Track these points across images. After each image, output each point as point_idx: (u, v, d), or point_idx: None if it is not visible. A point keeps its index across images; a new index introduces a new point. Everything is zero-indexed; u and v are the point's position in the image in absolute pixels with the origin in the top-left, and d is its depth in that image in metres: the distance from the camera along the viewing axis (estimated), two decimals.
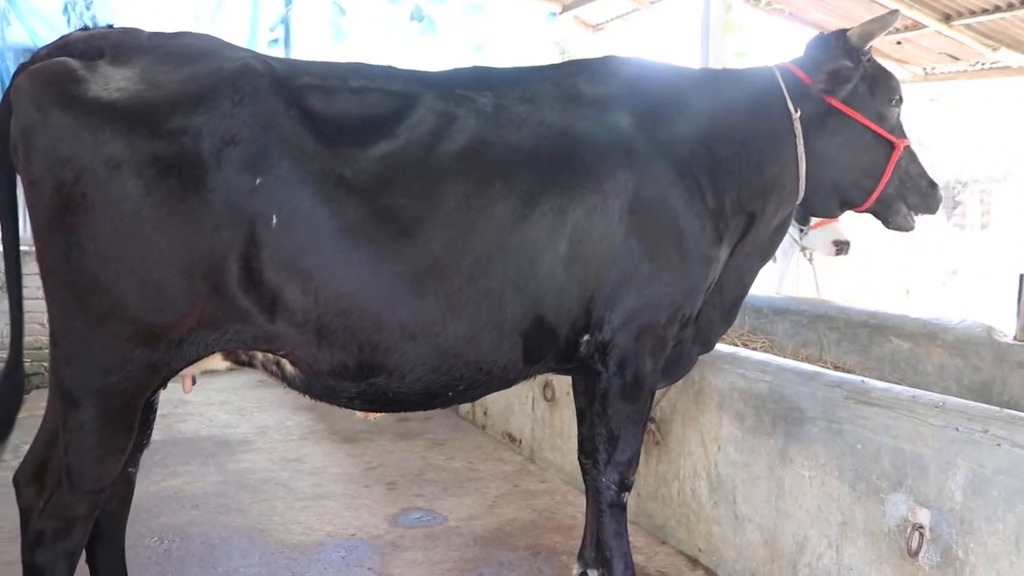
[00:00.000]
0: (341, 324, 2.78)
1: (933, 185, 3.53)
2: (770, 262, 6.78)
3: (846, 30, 3.37)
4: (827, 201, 3.52)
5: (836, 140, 3.38)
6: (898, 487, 3.02)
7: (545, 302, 2.99)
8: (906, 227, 3.56)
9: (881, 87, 3.41)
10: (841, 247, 6.16)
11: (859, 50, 3.33)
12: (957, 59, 9.75)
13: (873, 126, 3.37)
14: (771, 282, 6.91)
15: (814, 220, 6.14)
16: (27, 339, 8.11)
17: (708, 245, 3.22)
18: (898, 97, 3.45)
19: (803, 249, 6.46)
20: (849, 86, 3.35)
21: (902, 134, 3.45)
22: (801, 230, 6.30)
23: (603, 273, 3.05)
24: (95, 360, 2.65)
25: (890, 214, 3.53)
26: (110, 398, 2.69)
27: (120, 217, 2.57)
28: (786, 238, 6.53)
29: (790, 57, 3.50)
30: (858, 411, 3.22)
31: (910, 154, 3.49)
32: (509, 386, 3.22)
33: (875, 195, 3.45)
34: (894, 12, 3.40)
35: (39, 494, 2.82)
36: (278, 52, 8.56)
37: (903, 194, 3.48)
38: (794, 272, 6.80)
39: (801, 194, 3.40)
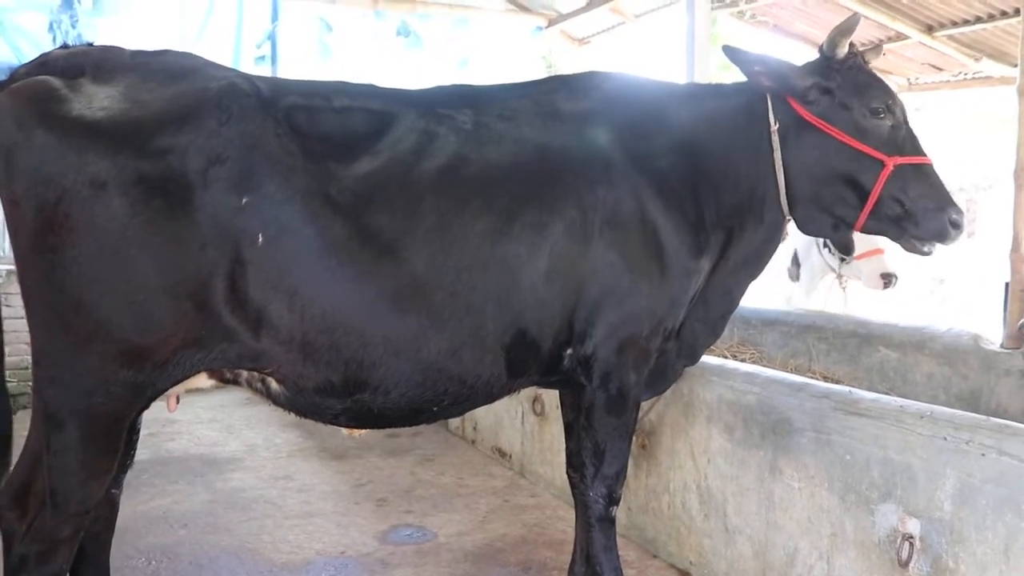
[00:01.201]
0: (326, 341, 2.77)
1: (941, 208, 3.15)
2: (794, 284, 6.77)
3: None
4: (815, 219, 3.35)
5: (813, 154, 3.23)
6: (887, 497, 3.02)
7: (527, 316, 2.99)
8: (916, 251, 3.27)
9: (860, 98, 3.20)
10: (889, 280, 6.07)
11: (832, 59, 3.23)
12: (940, 69, 9.84)
13: (848, 140, 3.17)
14: (791, 300, 6.85)
15: (858, 251, 6.09)
16: (13, 359, 8.06)
17: (688, 258, 3.22)
18: (883, 108, 3.20)
19: (839, 276, 6.39)
20: (796, 89, 3.20)
21: (901, 150, 3.19)
22: (843, 259, 6.25)
23: (583, 287, 3.06)
24: (79, 381, 2.64)
25: (894, 238, 3.29)
26: (94, 419, 2.67)
27: (105, 237, 2.56)
28: (816, 262, 6.52)
29: None
30: (847, 422, 3.22)
31: (915, 173, 3.18)
32: (493, 400, 3.22)
33: (863, 216, 3.22)
34: (854, 15, 3.24)
35: (22, 518, 2.80)
36: (265, 69, 8.55)
37: (899, 217, 3.20)
38: (823, 297, 6.72)
39: (785, 209, 3.32)
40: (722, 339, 4.87)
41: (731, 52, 3.27)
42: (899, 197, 3.18)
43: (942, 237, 3.20)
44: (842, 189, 3.24)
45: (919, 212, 3.18)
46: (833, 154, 3.22)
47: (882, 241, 5.99)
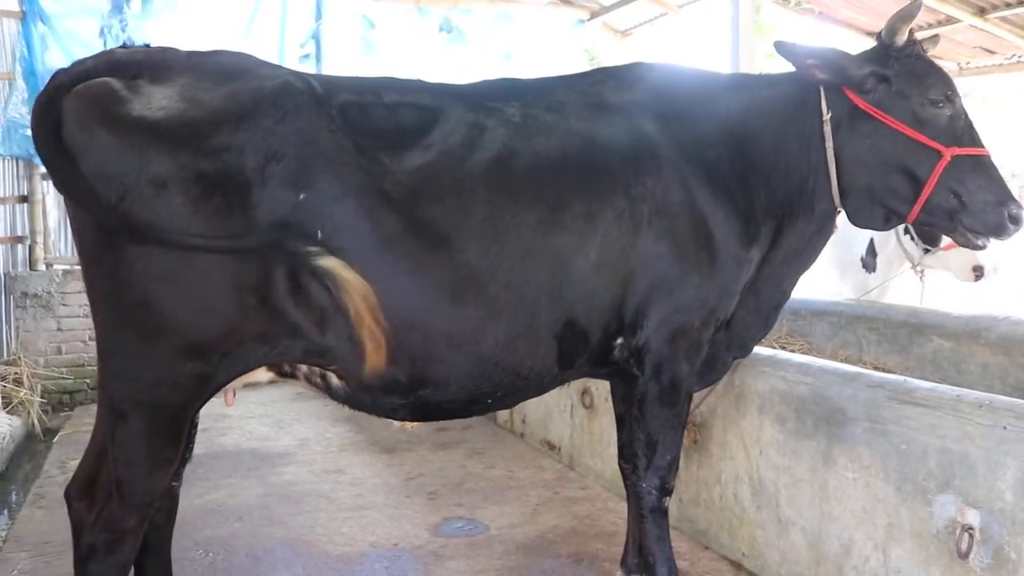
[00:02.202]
0: (392, 337, 2.80)
1: (1001, 203, 3.09)
2: (870, 274, 6.66)
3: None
4: (868, 210, 3.30)
5: (866, 144, 3.19)
6: (946, 488, 2.98)
7: (578, 307, 3.01)
8: (971, 246, 3.24)
9: (918, 87, 3.15)
10: (979, 272, 5.96)
11: (890, 47, 3.18)
12: (993, 52, 9.63)
13: (905, 129, 3.13)
14: (866, 291, 6.73)
15: (945, 241, 6.00)
16: (70, 356, 8.32)
17: (739, 247, 3.20)
18: (943, 97, 3.14)
19: (916, 267, 6.31)
20: (853, 79, 3.15)
21: (959, 141, 3.14)
22: (927, 250, 6.18)
23: (633, 278, 3.06)
24: (145, 375, 2.70)
25: (947, 231, 3.26)
26: (159, 412, 2.73)
27: (168, 234, 2.61)
28: (894, 252, 6.43)
29: None
30: (902, 411, 3.18)
31: (973, 164, 3.13)
32: (544, 392, 3.24)
33: (917, 207, 3.16)
34: (914, 1, 3.15)
35: (90, 508, 2.87)
36: (309, 67, 8.65)
37: (955, 209, 3.13)
38: (898, 286, 6.63)
39: (837, 200, 3.29)
40: (771, 331, 4.83)
41: (782, 47, 3.23)
42: (956, 189, 3.13)
43: (999, 232, 3.14)
44: (896, 179, 3.20)
45: (977, 205, 3.12)
46: (888, 143, 3.18)
47: None
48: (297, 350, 2.81)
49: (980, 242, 3.21)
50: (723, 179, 3.20)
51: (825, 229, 3.43)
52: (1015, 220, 3.11)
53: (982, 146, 3.18)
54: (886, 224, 3.39)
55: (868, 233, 6.54)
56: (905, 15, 3.16)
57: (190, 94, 2.70)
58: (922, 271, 6.30)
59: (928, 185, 3.13)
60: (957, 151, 3.12)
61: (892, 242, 6.44)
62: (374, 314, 2.66)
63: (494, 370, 2.96)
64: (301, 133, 2.72)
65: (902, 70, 3.18)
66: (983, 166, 3.16)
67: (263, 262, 2.67)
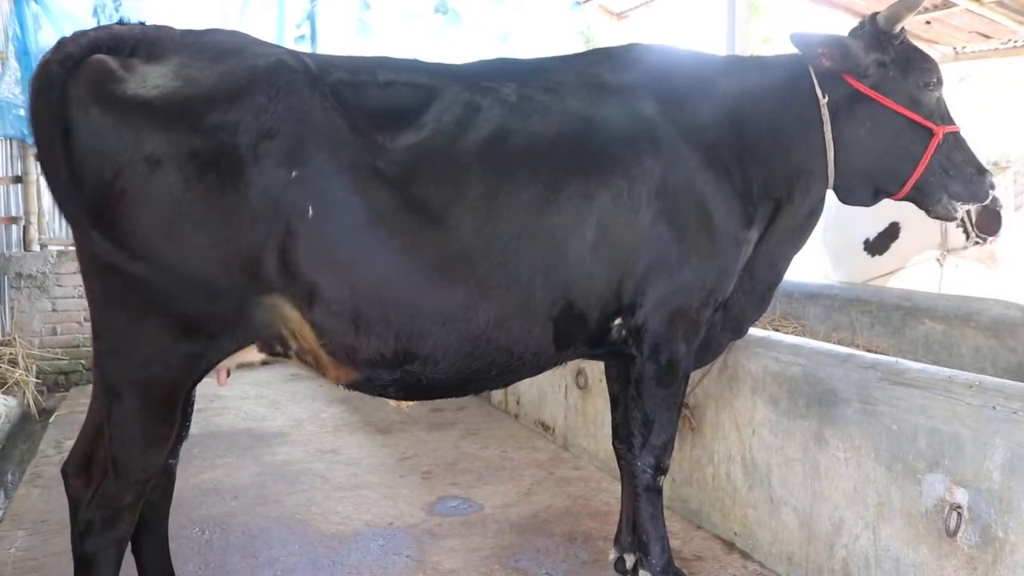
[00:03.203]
0: (377, 312, 2.82)
1: (981, 172, 3.37)
2: (874, 258, 6.70)
3: (876, 14, 3.34)
4: (860, 188, 3.43)
5: (865, 126, 3.30)
6: (935, 467, 3.01)
7: (574, 287, 3.02)
8: (947, 216, 3.46)
9: (914, 71, 3.30)
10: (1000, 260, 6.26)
11: (888, 33, 3.28)
12: (988, 37, 9.61)
13: (905, 111, 3.27)
14: (864, 273, 6.75)
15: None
16: (64, 337, 8.35)
17: (738, 228, 3.23)
18: (934, 80, 3.32)
19: (944, 254, 6.40)
20: (859, 67, 3.25)
21: (943, 120, 3.35)
22: (979, 240, 6.27)
23: (632, 258, 3.08)
24: (138, 353, 2.71)
25: (931, 203, 3.41)
26: (153, 389, 2.75)
27: (161, 212, 2.62)
28: (921, 238, 6.48)
29: None
30: (893, 392, 3.20)
31: (955, 140, 3.36)
32: (540, 371, 3.25)
33: (911, 183, 3.34)
34: None
35: (87, 485, 2.89)
36: (304, 48, 8.63)
37: (944, 182, 3.34)
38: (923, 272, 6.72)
39: (831, 181, 3.37)
40: (764, 313, 4.86)
41: (797, 38, 3.28)
42: (944, 164, 3.34)
43: (982, 198, 3.43)
44: (894, 158, 3.34)
45: (963, 176, 3.36)
46: (888, 125, 3.31)
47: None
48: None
49: (958, 212, 3.46)
50: (721, 161, 3.22)
51: (817, 210, 3.51)
52: (991, 187, 3.42)
53: (956, 123, 3.41)
54: (874, 200, 3.51)
55: (869, 216, 6.50)
56: (911, 4, 3.26)
57: (184, 72, 2.69)
58: (945, 258, 6.39)
59: (923, 162, 3.31)
60: (945, 129, 3.32)
61: (934, 230, 6.42)
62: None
63: (486, 348, 2.97)
64: (294, 111, 2.73)
65: (898, 56, 3.31)
66: (961, 141, 3.41)
67: (256, 239, 2.68)
